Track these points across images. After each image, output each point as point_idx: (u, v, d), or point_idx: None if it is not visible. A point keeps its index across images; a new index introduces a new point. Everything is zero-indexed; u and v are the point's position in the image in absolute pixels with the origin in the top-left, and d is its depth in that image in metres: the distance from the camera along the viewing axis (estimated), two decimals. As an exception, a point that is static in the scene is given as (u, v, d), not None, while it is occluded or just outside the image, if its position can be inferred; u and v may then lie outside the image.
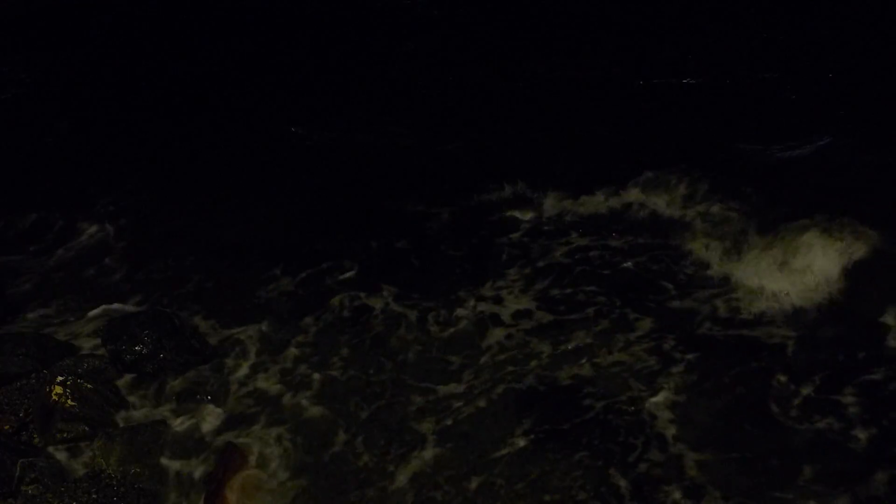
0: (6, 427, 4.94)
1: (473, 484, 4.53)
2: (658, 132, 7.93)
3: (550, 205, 6.96)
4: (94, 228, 7.38)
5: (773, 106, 8.19)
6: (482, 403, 5.08)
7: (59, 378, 5.03)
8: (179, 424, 5.07)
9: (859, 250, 5.71)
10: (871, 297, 5.49)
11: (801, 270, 5.70)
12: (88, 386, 5.08)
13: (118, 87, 10.64)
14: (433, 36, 10.74)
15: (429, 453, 4.77)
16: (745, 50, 9.28)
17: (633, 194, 6.88)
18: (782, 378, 5.00)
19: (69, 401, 4.94)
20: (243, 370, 5.53)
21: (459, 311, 5.86)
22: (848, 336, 5.29)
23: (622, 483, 4.44)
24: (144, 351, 5.45)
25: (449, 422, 4.98)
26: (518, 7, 11.07)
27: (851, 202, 6.16)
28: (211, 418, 5.14)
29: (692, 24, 10.07)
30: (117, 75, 10.91)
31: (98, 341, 5.68)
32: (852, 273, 5.63)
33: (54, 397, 4.94)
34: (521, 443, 4.76)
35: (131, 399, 5.29)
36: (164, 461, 4.78)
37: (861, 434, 4.57)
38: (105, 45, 11.87)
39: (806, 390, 4.89)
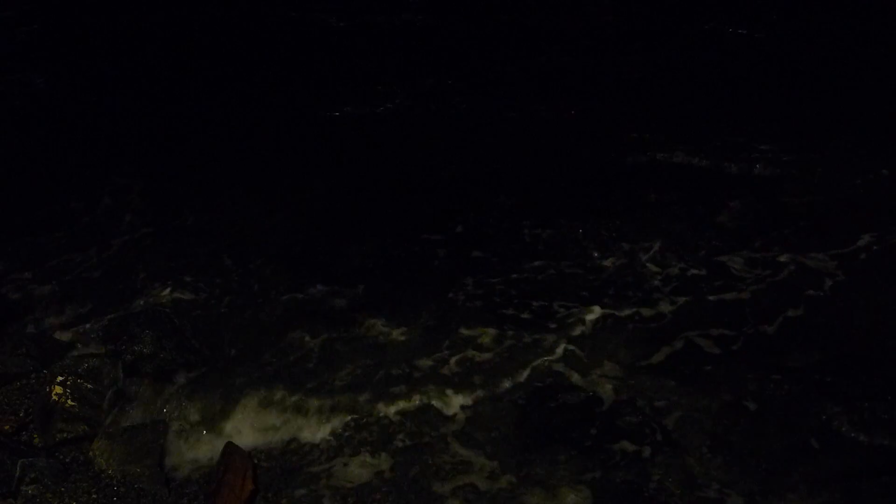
0: (6, 427, 4.94)
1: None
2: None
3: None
4: (94, 228, 7.37)
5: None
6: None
7: (59, 378, 5.04)
8: (179, 424, 5.07)
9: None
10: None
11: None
12: (88, 386, 5.08)
13: (122, 85, 10.65)
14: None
15: (432, 461, 4.78)
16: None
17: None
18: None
19: (69, 401, 4.94)
20: (243, 371, 5.52)
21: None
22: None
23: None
24: (144, 351, 5.45)
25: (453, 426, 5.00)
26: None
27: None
28: (211, 418, 5.14)
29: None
30: (125, 71, 10.90)
31: (98, 341, 5.68)
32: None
33: (54, 397, 4.94)
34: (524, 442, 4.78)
35: (131, 399, 5.28)
36: (163, 461, 4.78)
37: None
38: (119, 37, 11.86)
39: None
